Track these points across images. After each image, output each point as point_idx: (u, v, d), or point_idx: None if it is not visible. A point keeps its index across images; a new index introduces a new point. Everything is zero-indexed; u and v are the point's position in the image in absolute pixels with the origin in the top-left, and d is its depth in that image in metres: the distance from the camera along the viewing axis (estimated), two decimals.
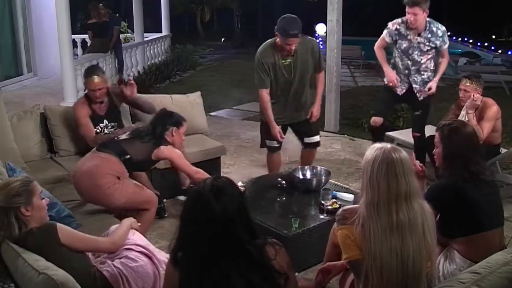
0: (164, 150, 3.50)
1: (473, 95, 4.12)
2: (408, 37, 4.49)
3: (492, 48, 15.34)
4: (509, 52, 14.52)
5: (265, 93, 4.09)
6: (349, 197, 3.53)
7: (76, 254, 2.36)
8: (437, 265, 2.50)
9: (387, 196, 2.05)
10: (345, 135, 6.56)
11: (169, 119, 3.61)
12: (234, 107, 8.62)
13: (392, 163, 2.06)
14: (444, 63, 4.62)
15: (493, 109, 4.18)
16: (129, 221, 2.76)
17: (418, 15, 4.31)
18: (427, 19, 4.43)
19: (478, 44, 15.82)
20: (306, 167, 3.99)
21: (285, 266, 1.84)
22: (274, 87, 4.13)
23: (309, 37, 4.24)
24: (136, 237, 2.72)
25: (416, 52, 4.50)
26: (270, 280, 1.79)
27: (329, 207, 3.33)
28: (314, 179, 3.80)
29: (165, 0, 12.18)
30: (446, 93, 9.03)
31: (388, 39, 4.63)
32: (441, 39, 4.48)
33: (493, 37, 21.21)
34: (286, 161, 3.98)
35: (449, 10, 23.39)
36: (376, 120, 4.79)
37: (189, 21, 25.65)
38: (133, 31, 11.51)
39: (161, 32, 12.47)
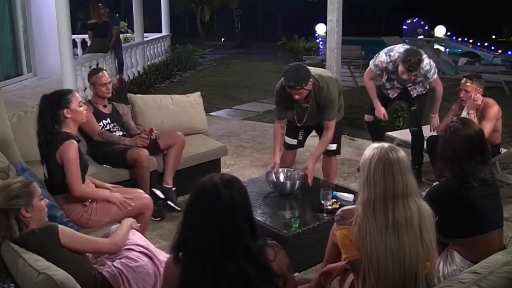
0: (63, 149, 2.99)
1: (474, 95, 4.12)
2: None
3: (492, 48, 15.34)
4: (509, 52, 14.51)
5: (278, 125, 4.04)
6: (349, 197, 3.53)
7: (77, 256, 2.35)
8: (437, 265, 2.50)
9: (383, 195, 2.05)
10: (345, 135, 6.55)
11: (50, 106, 3.02)
12: (234, 107, 8.62)
13: (389, 162, 2.06)
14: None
15: (494, 109, 4.17)
16: (129, 221, 2.77)
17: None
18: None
19: (478, 44, 15.81)
20: (280, 169, 3.87)
21: (284, 268, 1.84)
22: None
23: (326, 86, 3.81)
24: (137, 237, 2.72)
25: None
26: (269, 280, 1.79)
27: (329, 207, 3.33)
28: (288, 182, 3.73)
29: (165, 0, 12.18)
30: (446, 93, 8.97)
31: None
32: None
33: (493, 37, 21.21)
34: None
35: (449, 10, 23.40)
36: (367, 116, 5.07)
37: (189, 21, 25.69)
38: (133, 31, 11.50)
39: (161, 32, 12.48)
